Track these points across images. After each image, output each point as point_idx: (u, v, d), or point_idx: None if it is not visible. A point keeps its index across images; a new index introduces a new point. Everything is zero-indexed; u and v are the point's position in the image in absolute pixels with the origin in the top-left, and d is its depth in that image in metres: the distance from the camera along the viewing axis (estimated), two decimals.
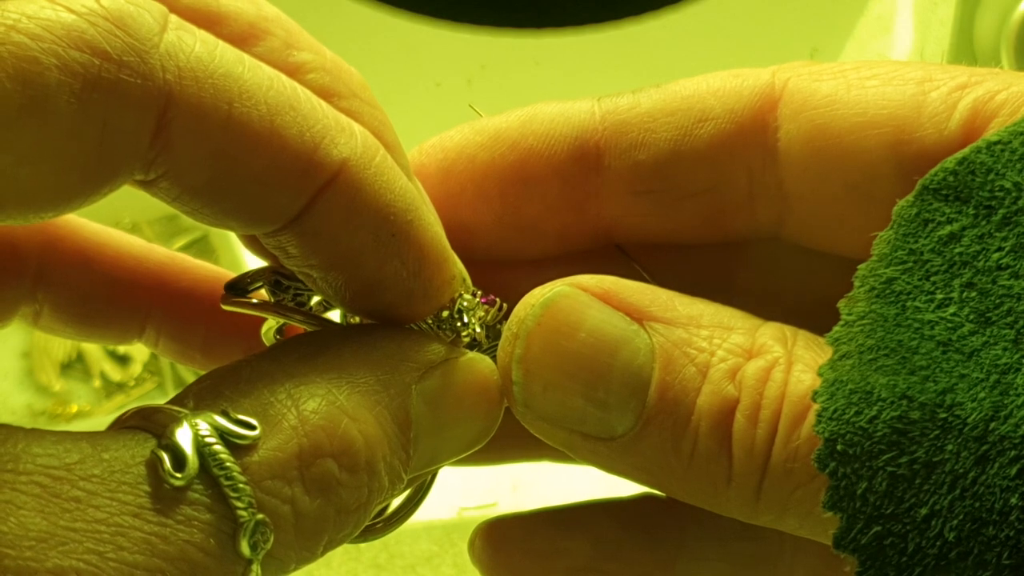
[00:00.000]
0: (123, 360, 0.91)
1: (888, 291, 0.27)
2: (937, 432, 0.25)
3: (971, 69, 0.30)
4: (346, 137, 0.28)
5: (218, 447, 0.25)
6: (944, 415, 0.25)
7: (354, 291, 0.30)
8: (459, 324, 0.32)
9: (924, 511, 0.25)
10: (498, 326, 0.33)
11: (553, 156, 0.33)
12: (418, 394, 0.29)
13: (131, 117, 0.25)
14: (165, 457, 0.24)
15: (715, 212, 0.33)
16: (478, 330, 0.32)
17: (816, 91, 0.31)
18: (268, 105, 0.27)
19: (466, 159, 0.33)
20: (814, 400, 0.26)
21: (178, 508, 0.24)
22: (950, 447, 0.25)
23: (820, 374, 0.27)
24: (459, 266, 0.32)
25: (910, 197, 0.28)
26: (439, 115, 0.82)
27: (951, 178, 0.27)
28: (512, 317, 0.30)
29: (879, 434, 0.25)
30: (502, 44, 0.83)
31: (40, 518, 0.22)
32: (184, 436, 0.25)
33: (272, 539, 0.25)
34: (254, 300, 0.32)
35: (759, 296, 0.33)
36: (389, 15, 0.79)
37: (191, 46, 0.26)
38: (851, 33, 0.92)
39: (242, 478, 0.25)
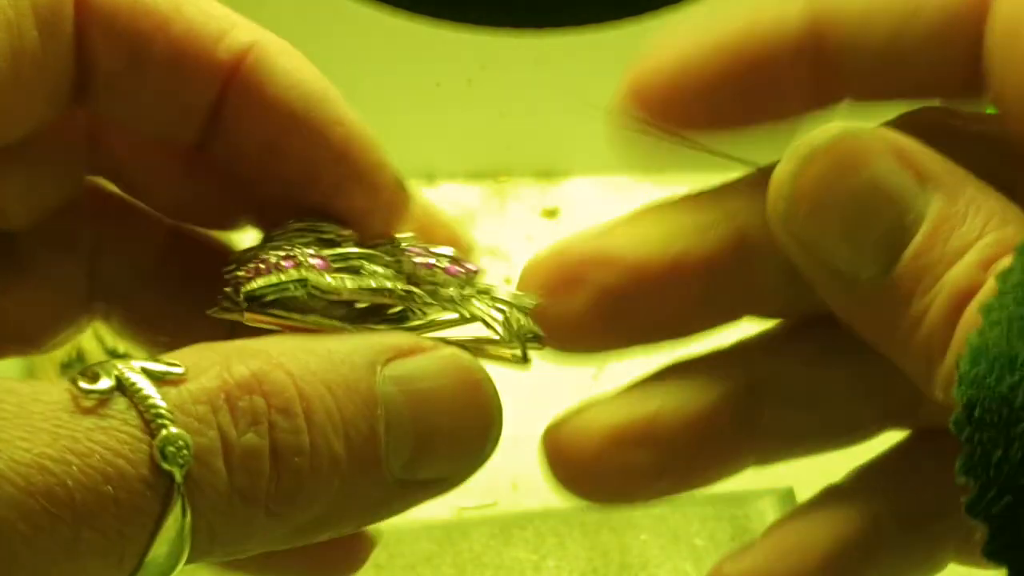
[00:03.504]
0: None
1: None
2: None
3: None
4: (250, 26, 0.31)
5: (135, 373, 0.26)
6: None
7: (286, 184, 0.32)
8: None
9: None
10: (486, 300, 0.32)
11: (777, 58, 0.33)
12: (384, 372, 0.28)
13: (65, 22, 0.29)
14: (80, 379, 0.25)
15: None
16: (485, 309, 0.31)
17: None
18: None
19: (695, 68, 0.33)
20: (957, 367, 0.26)
21: (94, 418, 0.25)
22: None
23: (967, 342, 0.26)
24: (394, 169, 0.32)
25: None
26: (439, 115, 0.82)
27: None
28: (804, 137, 0.30)
29: (1020, 401, 0.25)
30: (502, 44, 0.82)
31: None
32: (105, 366, 0.26)
33: (191, 456, 0.25)
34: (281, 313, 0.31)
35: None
36: (389, 15, 0.79)
37: None
38: None
39: (156, 395, 0.25)
